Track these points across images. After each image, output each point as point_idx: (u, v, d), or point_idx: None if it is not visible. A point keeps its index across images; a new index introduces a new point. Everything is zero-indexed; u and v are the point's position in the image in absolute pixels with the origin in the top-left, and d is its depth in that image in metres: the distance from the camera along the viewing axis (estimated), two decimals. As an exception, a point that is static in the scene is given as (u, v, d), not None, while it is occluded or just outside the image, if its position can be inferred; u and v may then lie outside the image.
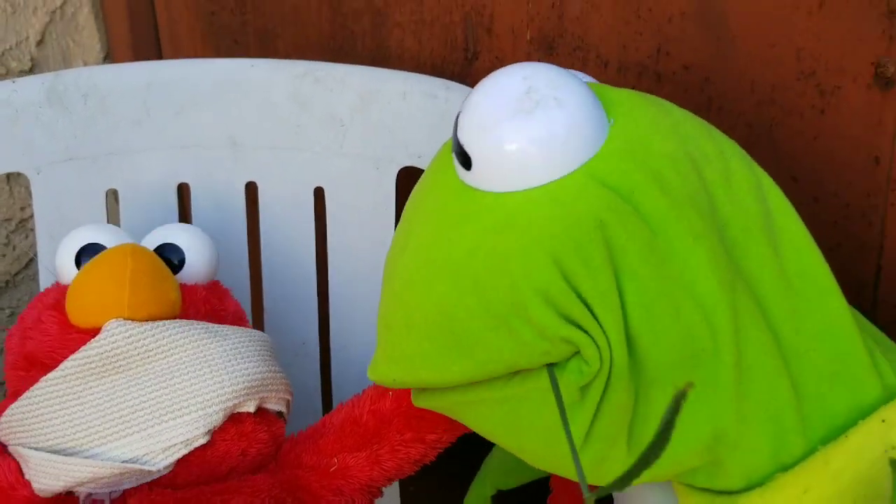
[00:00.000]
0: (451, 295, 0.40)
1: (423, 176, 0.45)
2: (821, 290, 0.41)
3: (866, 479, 0.38)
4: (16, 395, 0.50)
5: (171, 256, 0.54)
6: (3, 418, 0.50)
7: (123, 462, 0.47)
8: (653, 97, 0.44)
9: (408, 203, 0.45)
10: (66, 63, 0.78)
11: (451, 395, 0.43)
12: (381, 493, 0.52)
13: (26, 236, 0.77)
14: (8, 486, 0.49)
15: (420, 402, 0.45)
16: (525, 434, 0.42)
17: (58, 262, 0.54)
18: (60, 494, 0.48)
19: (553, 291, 0.39)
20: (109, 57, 0.79)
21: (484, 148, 0.40)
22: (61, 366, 0.49)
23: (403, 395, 0.50)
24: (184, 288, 0.53)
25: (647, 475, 0.40)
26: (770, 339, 0.40)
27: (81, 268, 0.52)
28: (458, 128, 0.41)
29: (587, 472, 0.41)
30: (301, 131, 0.63)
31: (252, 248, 0.65)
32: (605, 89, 0.43)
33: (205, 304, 0.53)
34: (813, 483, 0.39)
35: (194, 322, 0.50)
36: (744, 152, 0.43)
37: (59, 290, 0.52)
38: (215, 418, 0.48)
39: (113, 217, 0.65)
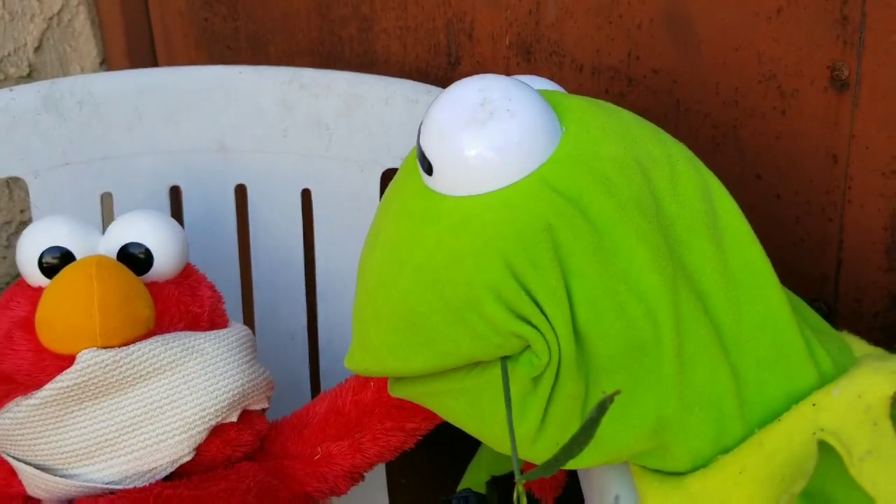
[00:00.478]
0: (414, 291, 0.43)
1: (393, 179, 0.48)
2: (761, 283, 0.44)
3: (797, 460, 0.40)
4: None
5: (137, 254, 0.51)
6: None
7: (108, 483, 0.48)
8: (607, 104, 0.46)
9: (379, 204, 0.48)
10: (63, 68, 0.80)
11: (419, 385, 0.46)
12: (362, 478, 0.54)
13: (26, 237, 0.79)
14: (4, 483, 0.50)
15: (394, 391, 0.47)
16: (486, 421, 0.44)
17: (20, 263, 0.52)
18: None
19: (504, 289, 0.41)
20: (106, 62, 0.81)
21: (443, 155, 0.42)
22: (38, 394, 0.48)
23: (384, 386, 0.52)
24: (154, 290, 0.51)
25: (599, 458, 0.43)
26: (710, 330, 0.43)
27: (47, 276, 0.50)
28: (420, 136, 0.43)
29: (544, 455, 0.44)
30: (288, 135, 0.65)
31: (242, 248, 0.67)
32: (560, 97, 0.45)
33: (178, 307, 0.51)
34: (749, 464, 0.41)
35: (170, 338, 0.49)
36: (692, 155, 0.46)
37: (26, 300, 0.51)
38: (199, 437, 0.49)
39: (108, 219, 0.66)
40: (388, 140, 0.64)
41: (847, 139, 0.56)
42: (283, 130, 0.65)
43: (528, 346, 0.42)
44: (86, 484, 0.48)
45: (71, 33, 0.79)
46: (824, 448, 0.39)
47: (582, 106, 0.45)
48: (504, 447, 0.45)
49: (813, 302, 0.59)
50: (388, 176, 0.64)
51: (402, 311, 0.43)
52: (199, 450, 0.50)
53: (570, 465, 0.44)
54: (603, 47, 0.61)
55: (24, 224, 0.79)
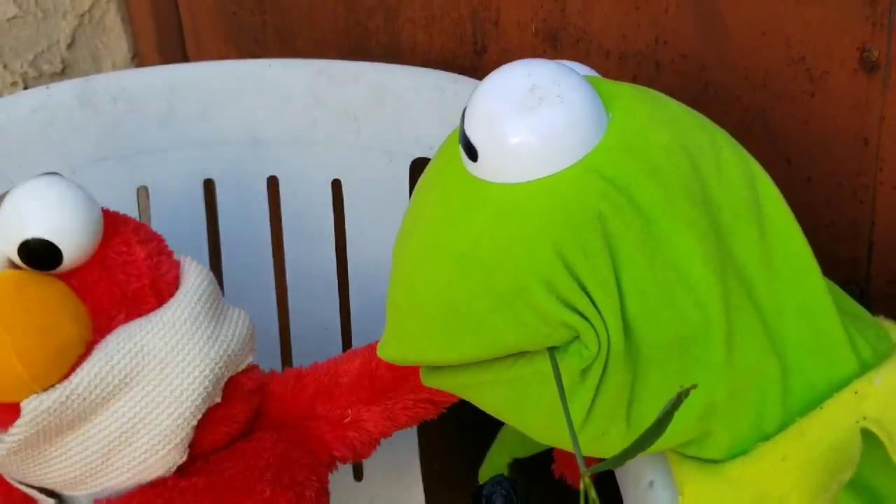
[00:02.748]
0: (457, 279, 0.42)
1: (430, 164, 0.47)
2: (802, 271, 0.44)
3: (838, 447, 0.40)
4: None
5: (38, 249, 0.42)
6: None
7: (109, 497, 0.46)
8: (650, 91, 0.46)
9: (415, 190, 0.47)
10: (95, 64, 0.81)
11: (457, 376, 0.45)
12: (380, 443, 0.51)
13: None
14: (5, 486, 0.48)
15: (428, 381, 0.47)
16: (529, 412, 0.44)
17: None
18: None
19: (554, 278, 0.41)
20: (137, 58, 0.82)
21: (489, 141, 0.42)
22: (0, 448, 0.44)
23: None
24: (77, 282, 0.43)
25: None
26: (757, 318, 0.43)
27: None
28: (465, 121, 0.43)
29: (588, 447, 0.44)
30: (317, 126, 0.66)
31: (275, 239, 0.67)
32: (605, 84, 0.45)
33: (111, 294, 0.44)
34: (790, 451, 0.41)
35: (112, 353, 0.43)
36: (735, 142, 0.45)
37: None
38: (187, 441, 0.45)
39: (144, 212, 0.68)
40: (417, 129, 0.64)
41: (878, 121, 0.56)
42: (312, 121, 0.66)
43: (576, 337, 0.42)
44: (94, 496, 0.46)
45: (102, 29, 0.80)
46: (866, 436, 0.39)
47: (627, 92, 0.44)
48: (546, 438, 0.45)
49: (845, 285, 0.58)
50: (416, 165, 0.65)
51: (444, 300, 0.42)
52: (193, 441, 0.46)
53: (601, 454, 0.44)
54: (630, 33, 0.61)
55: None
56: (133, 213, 0.66)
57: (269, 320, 0.67)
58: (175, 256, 0.49)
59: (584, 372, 0.42)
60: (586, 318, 0.41)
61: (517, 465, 0.60)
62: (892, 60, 0.54)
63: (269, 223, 0.67)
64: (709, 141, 0.44)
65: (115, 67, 0.81)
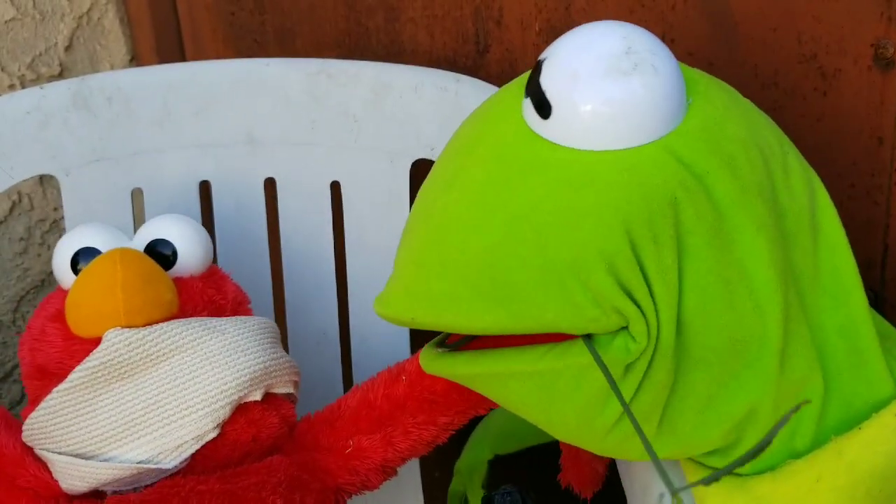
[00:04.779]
0: (504, 242, 0.39)
1: (476, 114, 0.44)
2: (847, 289, 0.42)
3: (882, 474, 0.38)
4: (35, 402, 0.52)
5: (163, 251, 0.54)
6: (26, 426, 0.52)
7: (139, 462, 0.49)
8: (724, 83, 0.44)
9: (454, 141, 0.43)
10: (93, 67, 0.80)
11: (477, 364, 0.41)
12: (395, 472, 0.53)
13: (60, 236, 0.80)
14: (44, 485, 0.51)
15: (435, 368, 0.43)
16: (556, 409, 0.41)
17: (55, 268, 0.54)
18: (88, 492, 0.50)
19: (618, 259, 0.38)
20: (135, 60, 0.81)
21: (570, 100, 0.39)
22: (69, 377, 0.50)
23: (417, 380, 0.51)
24: (180, 283, 0.53)
25: (673, 451, 0.41)
26: (808, 331, 0.41)
27: (78, 274, 0.52)
28: (543, 74, 0.39)
29: (614, 449, 0.41)
30: (316, 127, 0.65)
31: (272, 242, 0.66)
32: (684, 68, 0.42)
33: (202, 297, 0.53)
34: (826, 472, 0.40)
35: (192, 320, 0.51)
36: (796, 149, 0.44)
37: (60, 299, 0.53)
38: (223, 412, 0.50)
39: (139, 214, 0.67)
40: (418, 129, 0.63)
41: (893, 120, 0.54)
42: (311, 122, 0.65)
43: (623, 328, 0.39)
44: (119, 465, 0.49)
45: (101, 32, 0.80)
46: None
47: (706, 79, 0.42)
48: (573, 438, 0.42)
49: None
50: (418, 166, 0.64)
51: (483, 262, 0.39)
52: (225, 428, 0.50)
53: (634, 457, 0.42)
54: (636, 31, 0.60)
55: (58, 222, 0.80)
56: (126, 215, 0.65)
57: (266, 326, 0.66)
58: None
59: (629, 367, 0.39)
60: (640, 308, 0.38)
61: (498, 461, 0.59)
62: (907, 56, 0.53)
63: (266, 226, 0.66)
64: (777, 142, 0.42)
65: (113, 70, 0.80)
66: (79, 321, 0.51)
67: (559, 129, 0.39)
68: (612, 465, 0.52)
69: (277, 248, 0.66)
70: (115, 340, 0.49)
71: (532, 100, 0.40)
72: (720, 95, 0.42)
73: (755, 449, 0.35)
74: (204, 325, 0.51)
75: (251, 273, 0.64)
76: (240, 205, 0.65)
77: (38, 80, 0.77)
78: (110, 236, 0.54)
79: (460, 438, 0.60)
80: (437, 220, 0.41)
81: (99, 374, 0.50)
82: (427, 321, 0.41)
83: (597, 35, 0.39)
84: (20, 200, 0.79)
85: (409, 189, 0.64)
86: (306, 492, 0.51)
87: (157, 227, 0.55)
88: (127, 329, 0.50)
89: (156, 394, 0.50)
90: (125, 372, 0.50)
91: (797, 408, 0.34)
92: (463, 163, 0.41)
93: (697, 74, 0.43)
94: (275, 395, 0.53)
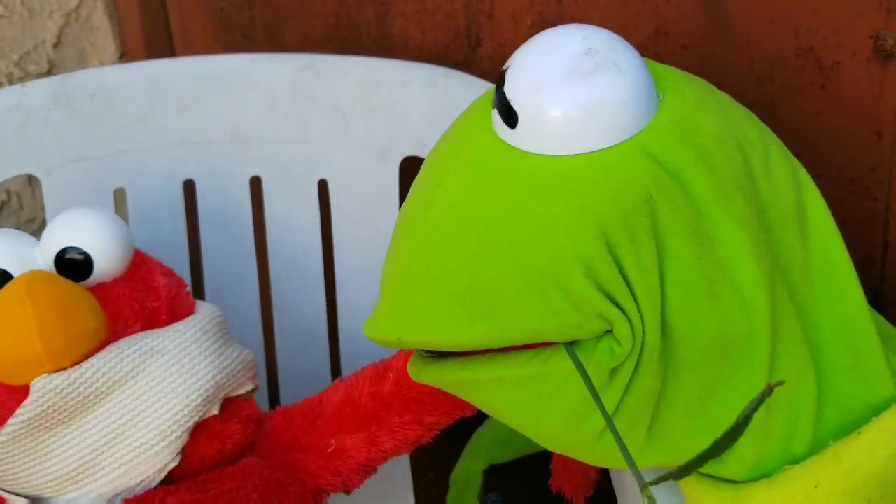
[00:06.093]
0: (482, 254, 0.38)
1: (451, 129, 0.43)
2: (841, 284, 0.41)
3: (881, 479, 0.37)
4: None
5: (75, 259, 0.48)
6: None
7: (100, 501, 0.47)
8: (696, 77, 0.43)
9: (431, 157, 0.43)
10: (82, 64, 0.79)
11: (462, 371, 0.41)
12: (376, 471, 0.52)
13: (47, 235, 0.79)
14: None
15: (422, 377, 0.43)
16: (542, 417, 0.40)
17: None
18: None
19: (596, 263, 0.37)
20: (125, 57, 0.80)
21: (534, 107, 0.38)
22: (3, 430, 0.46)
23: (402, 378, 0.50)
24: (102, 292, 0.48)
25: (662, 458, 0.40)
26: (800, 328, 0.40)
27: None
28: (507, 83, 0.39)
29: (603, 457, 0.40)
30: (303, 124, 0.64)
31: (258, 242, 0.65)
32: (652, 64, 0.42)
33: (130, 306, 0.49)
34: (824, 478, 0.39)
35: (125, 345, 0.47)
36: (780, 141, 0.42)
37: None
38: (179, 442, 0.47)
39: (122, 215, 0.66)
40: (408, 126, 0.62)
41: (892, 113, 0.53)
42: (298, 119, 0.64)
43: (607, 332, 0.38)
44: None
45: (89, 28, 0.79)
46: None
47: (676, 75, 0.41)
48: (560, 446, 0.42)
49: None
50: (408, 164, 0.63)
51: (464, 276, 0.38)
52: (186, 451, 0.48)
53: (620, 465, 0.41)
54: (629, 24, 0.59)
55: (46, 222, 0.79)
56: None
57: (253, 327, 0.65)
58: (192, 297, 0.53)
59: (614, 372, 0.38)
60: (623, 311, 0.37)
61: (492, 471, 0.58)
62: (907, 48, 0.51)
63: (252, 226, 0.65)
64: (758, 136, 0.41)
65: (102, 67, 0.80)
66: (0, 371, 0.46)
67: (527, 136, 0.39)
68: (604, 470, 0.51)
69: (264, 248, 0.65)
70: (45, 390, 0.45)
71: (499, 109, 0.39)
72: (692, 90, 0.41)
73: (727, 433, 0.33)
74: (139, 349, 0.47)
75: (237, 274, 0.63)
76: (225, 204, 0.64)
77: (26, 77, 0.76)
78: (15, 249, 0.49)
79: (453, 440, 0.59)
80: (416, 237, 0.41)
81: (36, 424, 0.46)
82: (413, 340, 0.41)
83: (556, 39, 0.39)
84: (9, 200, 0.78)
85: (398, 186, 0.63)
86: (284, 495, 0.49)
87: (64, 232, 0.49)
88: (55, 374, 0.45)
89: (104, 436, 0.47)
90: (65, 417, 0.46)
91: (769, 390, 0.32)
92: (439, 178, 0.41)
93: (667, 71, 0.42)
94: (233, 398, 0.50)
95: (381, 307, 0.42)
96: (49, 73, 0.78)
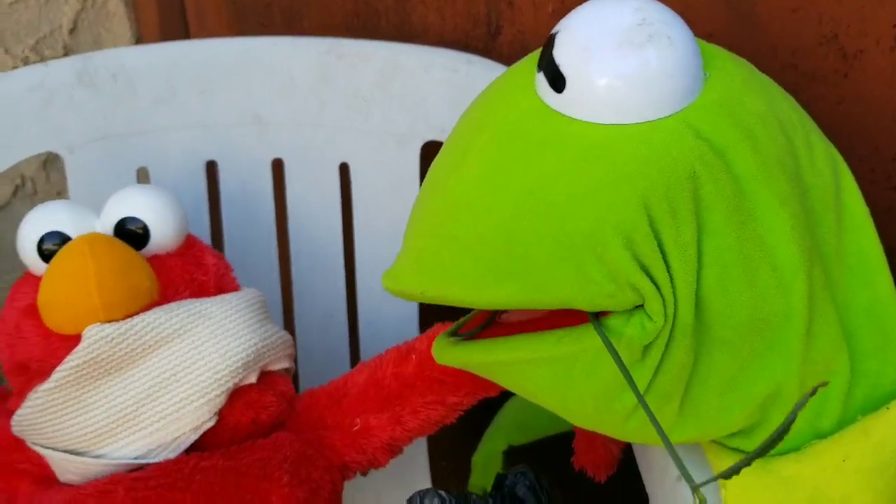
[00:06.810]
0: (519, 216, 0.38)
1: (487, 92, 0.43)
2: (872, 270, 0.41)
3: None
4: (20, 394, 0.50)
5: (134, 229, 0.51)
6: (14, 421, 0.50)
7: (136, 458, 0.48)
8: (740, 58, 0.43)
9: (465, 117, 0.43)
10: (98, 49, 0.79)
11: (491, 353, 0.41)
12: (401, 451, 0.52)
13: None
14: (44, 467, 0.50)
15: (447, 358, 0.42)
16: (572, 395, 0.40)
17: (21, 253, 0.51)
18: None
19: (635, 234, 0.37)
20: (140, 42, 0.80)
21: (584, 73, 0.38)
22: (52, 377, 0.48)
23: (425, 359, 0.50)
24: (156, 262, 0.51)
25: (694, 434, 0.40)
26: (834, 310, 0.40)
27: (47, 262, 0.50)
28: (557, 47, 0.39)
29: (634, 434, 0.40)
30: (325, 108, 0.64)
31: (280, 224, 0.65)
32: (699, 42, 0.42)
33: (182, 276, 0.51)
34: (852, 452, 0.39)
35: (175, 306, 0.49)
36: (818, 127, 0.43)
37: (31, 288, 0.50)
38: (218, 401, 0.48)
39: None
40: (428, 111, 0.62)
41: (916, 101, 0.53)
42: (319, 102, 0.64)
43: (639, 307, 0.38)
44: (114, 461, 0.48)
45: (105, 14, 0.79)
46: None
47: (722, 53, 0.41)
48: (590, 423, 0.41)
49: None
50: (427, 148, 0.63)
51: (498, 236, 0.38)
52: (222, 414, 0.49)
53: (650, 441, 0.41)
54: (652, 12, 0.59)
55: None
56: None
57: (273, 308, 0.65)
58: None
59: (647, 349, 0.38)
60: (656, 284, 0.37)
61: (512, 453, 0.58)
62: (932, 36, 0.51)
63: (273, 208, 0.65)
64: (799, 119, 0.41)
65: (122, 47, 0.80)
66: (55, 320, 0.48)
67: (574, 102, 0.38)
68: (626, 447, 0.51)
69: (284, 230, 0.65)
70: (96, 338, 0.47)
71: (545, 73, 0.39)
72: (738, 70, 0.41)
73: (773, 437, 0.34)
74: (188, 310, 0.49)
75: (258, 255, 0.63)
76: (246, 186, 0.64)
77: (42, 62, 0.76)
78: (76, 216, 0.51)
79: (470, 429, 0.59)
80: (448, 195, 0.40)
81: (83, 372, 0.48)
82: (438, 294, 0.40)
83: (610, 7, 0.39)
84: (23, 184, 0.78)
85: (418, 171, 0.63)
86: (312, 468, 0.50)
87: (125, 203, 0.51)
88: (107, 324, 0.47)
89: (146, 389, 0.48)
90: (111, 368, 0.48)
91: (814, 391, 0.33)
92: (475, 138, 0.41)
93: (714, 49, 0.42)
94: (270, 372, 0.52)
95: (405, 259, 0.41)
96: (65, 57, 0.77)
